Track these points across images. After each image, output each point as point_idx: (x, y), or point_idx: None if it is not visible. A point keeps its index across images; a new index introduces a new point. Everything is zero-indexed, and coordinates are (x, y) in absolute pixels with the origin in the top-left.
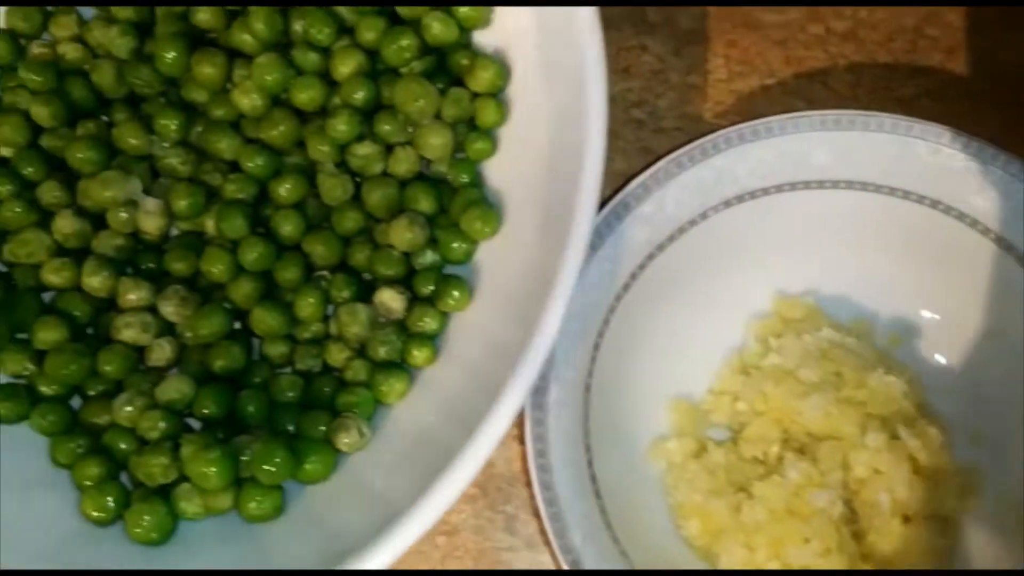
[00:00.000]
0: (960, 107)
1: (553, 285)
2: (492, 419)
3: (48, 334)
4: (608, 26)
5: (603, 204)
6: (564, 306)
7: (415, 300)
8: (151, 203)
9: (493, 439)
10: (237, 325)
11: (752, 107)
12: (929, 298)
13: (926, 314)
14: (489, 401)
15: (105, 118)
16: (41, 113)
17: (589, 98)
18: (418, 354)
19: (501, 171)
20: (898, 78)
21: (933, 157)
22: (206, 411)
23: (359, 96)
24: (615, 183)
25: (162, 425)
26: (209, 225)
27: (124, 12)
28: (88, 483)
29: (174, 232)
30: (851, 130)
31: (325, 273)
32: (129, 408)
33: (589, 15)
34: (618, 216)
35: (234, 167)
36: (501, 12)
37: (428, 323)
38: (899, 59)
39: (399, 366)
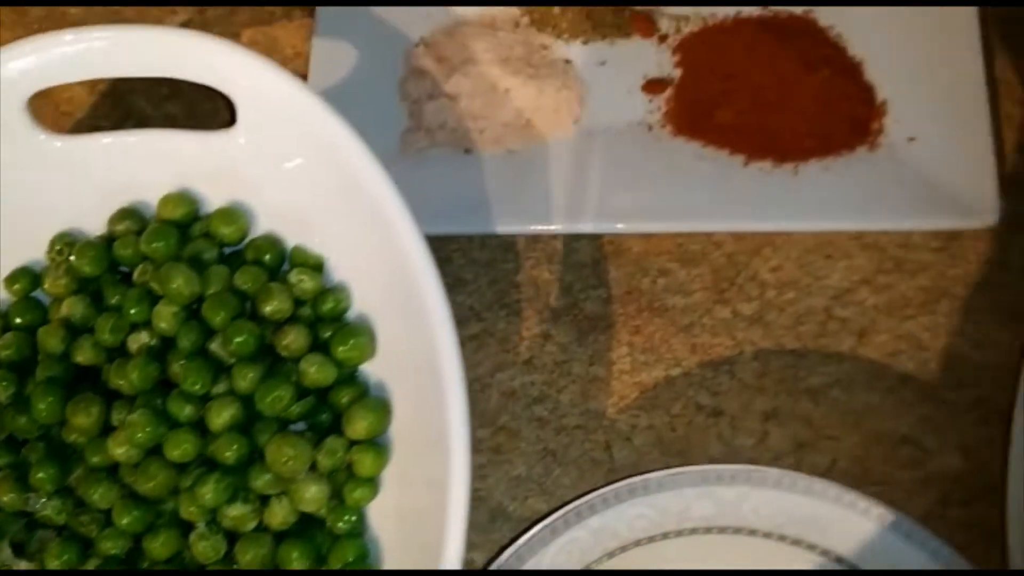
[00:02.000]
0: (870, 398)
1: None
2: None
3: None
4: (511, 312)
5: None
6: None
7: None
8: (23, 567)
9: None
10: None
11: (656, 401)
12: None
13: None
14: None
15: None
16: None
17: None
18: None
19: (385, 511)
20: (806, 365)
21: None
22: None
23: (230, 455)
24: (514, 491)
25: None
26: None
27: (5, 352)
28: None
29: None
30: (733, 485)
31: None
32: None
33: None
34: None
35: (110, 515)
36: (383, 346)
37: None
38: (807, 344)
39: None
